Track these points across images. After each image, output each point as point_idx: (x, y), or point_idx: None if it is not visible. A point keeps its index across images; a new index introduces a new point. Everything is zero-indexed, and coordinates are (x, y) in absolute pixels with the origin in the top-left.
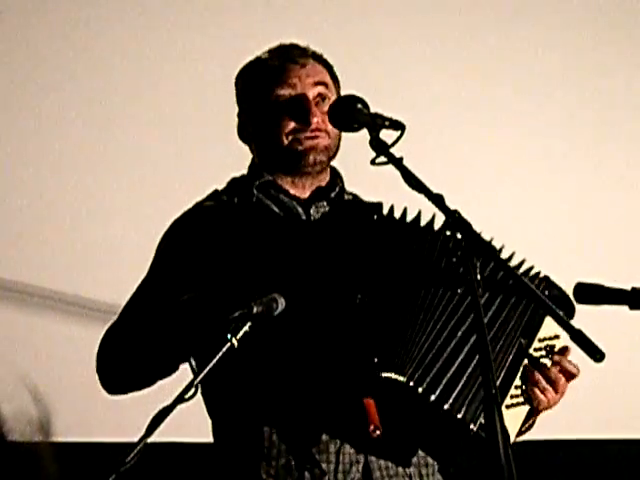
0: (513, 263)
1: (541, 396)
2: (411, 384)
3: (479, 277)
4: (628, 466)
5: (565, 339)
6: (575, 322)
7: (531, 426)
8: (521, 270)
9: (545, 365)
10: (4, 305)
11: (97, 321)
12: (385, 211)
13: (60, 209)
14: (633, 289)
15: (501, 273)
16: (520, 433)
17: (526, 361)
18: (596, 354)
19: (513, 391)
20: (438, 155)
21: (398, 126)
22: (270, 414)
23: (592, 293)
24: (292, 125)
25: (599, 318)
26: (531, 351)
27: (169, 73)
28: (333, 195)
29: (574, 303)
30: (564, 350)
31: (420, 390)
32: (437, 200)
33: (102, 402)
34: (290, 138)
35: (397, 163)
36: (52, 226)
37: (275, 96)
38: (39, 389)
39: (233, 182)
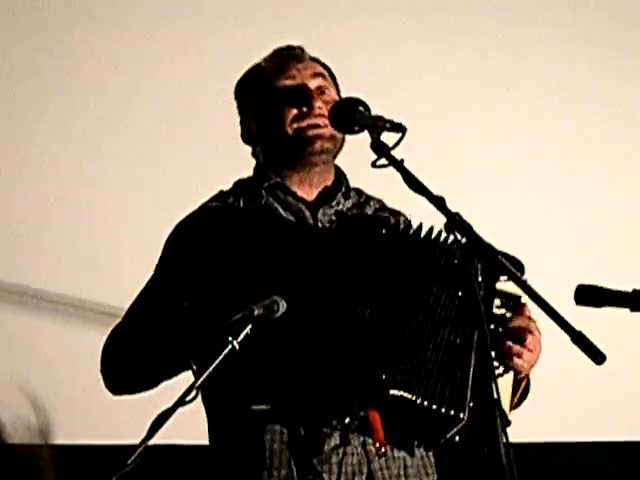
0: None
1: (519, 361)
2: (423, 402)
3: (479, 279)
4: (629, 468)
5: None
6: (576, 324)
7: (525, 393)
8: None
9: (509, 330)
10: (2, 309)
11: (96, 325)
12: (391, 224)
13: (61, 212)
14: (634, 291)
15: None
16: (516, 403)
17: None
18: (597, 356)
19: None
20: (439, 157)
21: (399, 128)
22: (272, 423)
23: (593, 295)
24: (294, 112)
25: (600, 320)
26: (494, 311)
27: (171, 76)
28: (340, 195)
29: (518, 259)
30: (518, 302)
31: (433, 407)
32: (438, 202)
33: (102, 405)
34: (294, 127)
35: (398, 165)
36: (53, 229)
37: (276, 87)
38: (38, 394)
39: (239, 183)
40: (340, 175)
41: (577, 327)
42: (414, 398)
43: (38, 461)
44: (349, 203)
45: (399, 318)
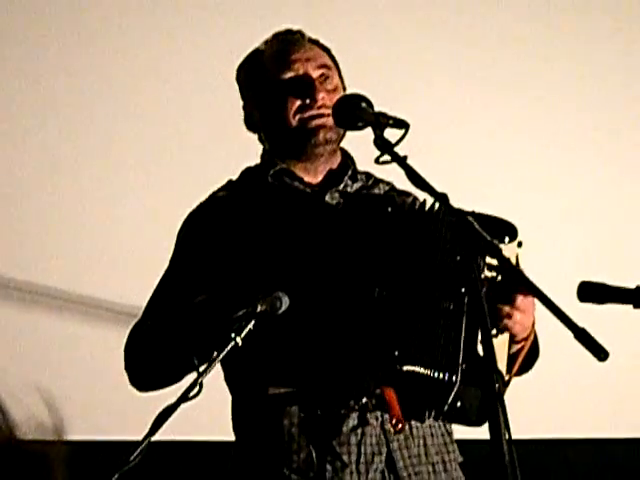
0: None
1: (509, 322)
2: (436, 375)
3: (482, 275)
4: (632, 466)
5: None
6: (579, 321)
7: (533, 356)
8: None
9: (498, 291)
10: (14, 306)
11: (108, 322)
12: (397, 203)
13: (74, 210)
14: (637, 287)
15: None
16: (521, 368)
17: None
18: (600, 353)
19: None
20: (442, 154)
21: (402, 125)
22: (289, 406)
23: (596, 292)
24: (298, 103)
25: (603, 317)
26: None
27: (173, 68)
28: (347, 178)
29: (511, 223)
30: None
31: (443, 378)
32: (441, 199)
33: (114, 402)
34: (297, 118)
35: (401, 162)
36: (64, 227)
37: (279, 79)
38: (50, 391)
39: (247, 172)
40: (346, 158)
41: (580, 324)
42: (428, 372)
43: (50, 457)
44: (357, 185)
45: (408, 295)
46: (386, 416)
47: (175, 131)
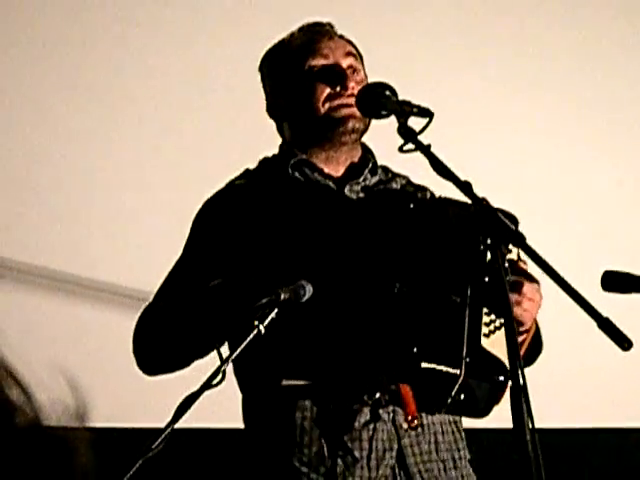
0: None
1: (518, 309)
2: (453, 372)
3: (506, 264)
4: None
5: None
6: (603, 310)
7: (538, 344)
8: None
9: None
10: (37, 293)
11: (130, 308)
12: (417, 199)
13: (91, 197)
14: None
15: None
16: (527, 357)
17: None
18: (624, 342)
19: (485, 318)
20: (465, 143)
21: (426, 113)
22: (302, 400)
23: (620, 281)
24: (328, 91)
25: (628, 306)
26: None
27: (184, 61)
28: (367, 171)
29: (511, 213)
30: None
31: (461, 378)
32: (465, 187)
33: (139, 388)
34: (327, 106)
35: (425, 150)
36: (84, 215)
37: (309, 66)
38: (75, 377)
39: (265, 162)
40: (367, 152)
41: (603, 313)
42: (443, 369)
43: (74, 443)
44: (375, 179)
45: (428, 292)
46: (398, 411)
47: (189, 117)
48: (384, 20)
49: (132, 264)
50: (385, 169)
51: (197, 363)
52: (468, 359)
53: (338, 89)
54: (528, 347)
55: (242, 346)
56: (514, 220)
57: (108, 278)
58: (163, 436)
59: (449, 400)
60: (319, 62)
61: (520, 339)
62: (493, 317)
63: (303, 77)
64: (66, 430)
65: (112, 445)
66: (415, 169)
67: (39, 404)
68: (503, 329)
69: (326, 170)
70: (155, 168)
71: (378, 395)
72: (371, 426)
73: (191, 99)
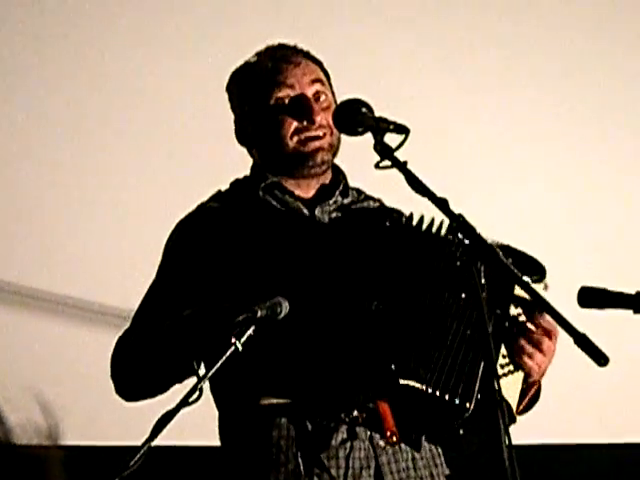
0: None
1: (530, 362)
2: (434, 391)
3: (483, 281)
4: (632, 471)
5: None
6: (579, 326)
7: (537, 396)
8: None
9: (525, 329)
10: (11, 310)
11: (104, 327)
12: (394, 218)
13: (67, 214)
14: (638, 293)
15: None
16: (524, 407)
17: (506, 327)
18: (600, 359)
19: (501, 360)
20: (441, 159)
21: (402, 130)
22: (279, 418)
23: (596, 297)
24: (295, 125)
25: (603, 322)
26: (511, 313)
27: (167, 76)
28: (338, 192)
29: (541, 263)
30: (536, 307)
31: (446, 397)
32: (441, 204)
33: (110, 406)
34: (295, 140)
35: (401, 167)
36: (58, 231)
37: (275, 99)
38: (46, 396)
39: (236, 183)
40: (338, 174)
41: (580, 329)
42: (424, 387)
43: (46, 462)
44: (347, 200)
45: (406, 309)
46: (376, 429)
47: (171, 133)
48: (361, 33)
49: (105, 282)
50: (358, 191)
51: None
52: (479, 396)
53: (305, 123)
54: (529, 399)
55: (219, 363)
56: (542, 270)
57: (80, 296)
58: (140, 453)
59: (447, 432)
60: (285, 93)
61: (526, 386)
62: (508, 360)
63: (270, 110)
64: (38, 449)
65: (85, 463)
66: (391, 187)
67: (10, 423)
68: (516, 374)
69: (297, 192)
70: (129, 185)
71: (355, 413)
72: (348, 444)
73: (176, 123)
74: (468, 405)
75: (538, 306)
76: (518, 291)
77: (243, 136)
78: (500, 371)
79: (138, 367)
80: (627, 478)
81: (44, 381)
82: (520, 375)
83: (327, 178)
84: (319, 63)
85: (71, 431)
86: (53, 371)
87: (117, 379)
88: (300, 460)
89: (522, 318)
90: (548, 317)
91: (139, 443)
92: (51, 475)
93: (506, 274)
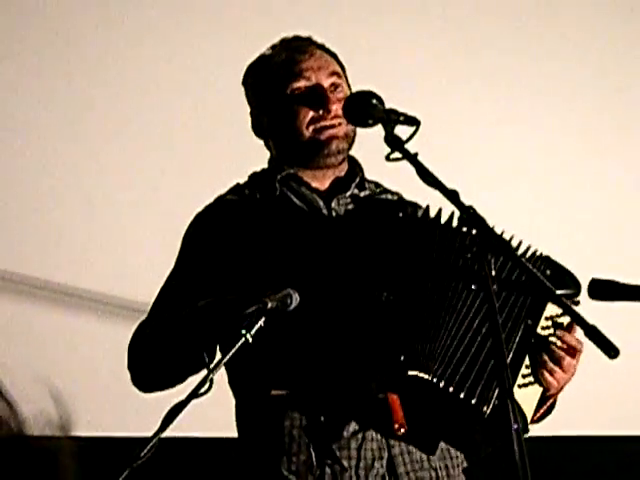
0: (513, 244)
1: (550, 378)
2: (439, 382)
3: (493, 273)
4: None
5: None
6: (590, 318)
7: (551, 409)
8: (520, 250)
9: (550, 344)
10: (24, 302)
11: (114, 318)
12: (408, 210)
13: (86, 208)
14: None
15: (509, 263)
16: (539, 415)
17: (533, 341)
18: (610, 350)
19: (524, 370)
20: (452, 151)
21: (413, 122)
22: (291, 409)
23: (606, 289)
24: (311, 114)
25: (613, 314)
26: (538, 330)
27: (179, 70)
28: (354, 185)
29: (578, 279)
30: (570, 326)
31: (450, 389)
32: (452, 196)
33: (122, 398)
34: (311, 129)
35: (412, 159)
36: (71, 223)
37: (291, 89)
38: (58, 387)
39: (254, 176)
40: (354, 166)
41: (590, 320)
42: (433, 379)
43: (58, 453)
44: (364, 193)
45: (416, 301)
46: (387, 421)
47: (185, 126)
48: (371, 25)
49: (117, 274)
50: (376, 184)
51: None
52: (497, 401)
53: (321, 112)
54: (543, 411)
55: (229, 355)
56: (577, 285)
57: (92, 288)
58: (150, 445)
59: (461, 434)
60: (301, 84)
61: (547, 403)
62: (529, 371)
63: (286, 101)
64: (50, 440)
65: (96, 454)
66: (402, 178)
67: (23, 414)
68: (536, 386)
69: (313, 184)
70: (140, 178)
71: (367, 404)
72: (360, 435)
73: (189, 117)
74: (485, 409)
75: (571, 320)
76: (550, 305)
77: (259, 128)
78: (521, 380)
79: (154, 358)
80: (631, 471)
81: (56, 373)
82: (539, 389)
83: (343, 170)
84: (334, 55)
85: (83, 422)
86: (65, 363)
87: (133, 369)
88: (312, 451)
89: (548, 332)
90: (576, 334)
91: (150, 434)
92: (63, 466)
93: (540, 286)
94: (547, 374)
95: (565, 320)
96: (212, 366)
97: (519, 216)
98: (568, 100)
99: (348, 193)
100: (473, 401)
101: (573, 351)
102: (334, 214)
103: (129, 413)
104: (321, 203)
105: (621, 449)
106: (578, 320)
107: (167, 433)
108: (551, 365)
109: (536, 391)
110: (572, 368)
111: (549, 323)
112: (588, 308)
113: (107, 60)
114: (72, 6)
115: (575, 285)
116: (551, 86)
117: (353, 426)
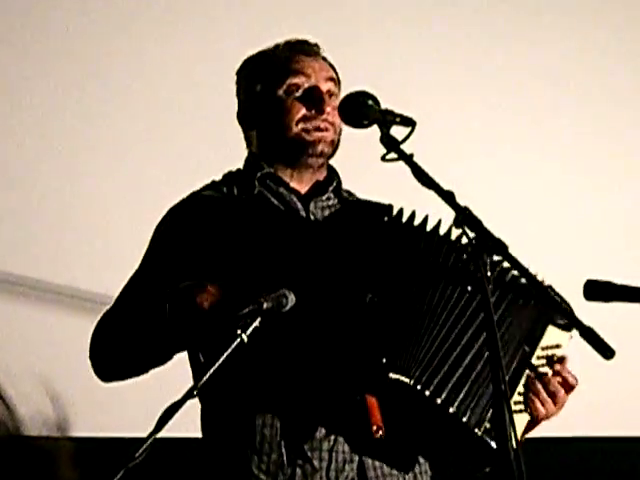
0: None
1: (541, 408)
2: (418, 387)
3: (489, 274)
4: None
5: (565, 348)
6: (585, 319)
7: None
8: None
9: (546, 376)
10: (21, 303)
11: None
12: (394, 213)
13: (87, 209)
14: None
15: (509, 275)
16: (520, 440)
17: (528, 370)
18: (606, 352)
19: (516, 397)
20: (448, 152)
21: (409, 122)
22: (263, 408)
23: (602, 290)
24: (303, 112)
25: (609, 315)
26: (534, 359)
27: (160, 70)
28: (331, 189)
29: (576, 315)
30: (562, 360)
31: (427, 393)
32: (448, 197)
33: (120, 398)
34: (300, 126)
35: (408, 160)
36: (73, 224)
37: (288, 84)
38: (55, 387)
39: (230, 175)
40: (333, 173)
41: (586, 322)
42: (413, 384)
43: (56, 453)
44: (339, 200)
45: (401, 303)
46: (362, 425)
47: (166, 126)
48: (368, 26)
49: (117, 274)
50: (349, 193)
51: (179, 371)
52: (489, 425)
53: (314, 112)
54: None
55: (225, 355)
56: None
57: (89, 288)
58: (145, 445)
59: (445, 452)
60: (300, 81)
61: (530, 430)
62: (521, 399)
63: (281, 94)
64: (47, 440)
65: (93, 455)
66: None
67: (20, 415)
68: (524, 414)
69: (291, 185)
70: (140, 178)
71: (343, 405)
72: (332, 437)
73: (171, 117)
74: (477, 430)
75: (569, 323)
76: (548, 336)
77: (246, 117)
78: (512, 407)
79: (118, 346)
80: (630, 473)
81: (54, 374)
82: (527, 417)
83: (322, 175)
84: (333, 67)
85: (80, 423)
86: (63, 364)
87: (95, 358)
88: (283, 450)
89: (542, 362)
90: (572, 372)
91: (145, 435)
92: (60, 466)
93: (544, 308)
94: (539, 404)
95: (560, 352)
96: (208, 366)
97: (515, 217)
98: (568, 100)
99: (325, 196)
100: (464, 419)
101: (568, 386)
102: (312, 217)
103: (126, 414)
104: (299, 204)
105: (619, 451)
106: (575, 323)
107: (163, 433)
108: (544, 396)
109: (524, 419)
110: (563, 402)
111: (544, 353)
112: (585, 309)
113: (99, 59)
114: (75, 4)
115: (570, 318)
116: (550, 87)
117: (326, 427)
